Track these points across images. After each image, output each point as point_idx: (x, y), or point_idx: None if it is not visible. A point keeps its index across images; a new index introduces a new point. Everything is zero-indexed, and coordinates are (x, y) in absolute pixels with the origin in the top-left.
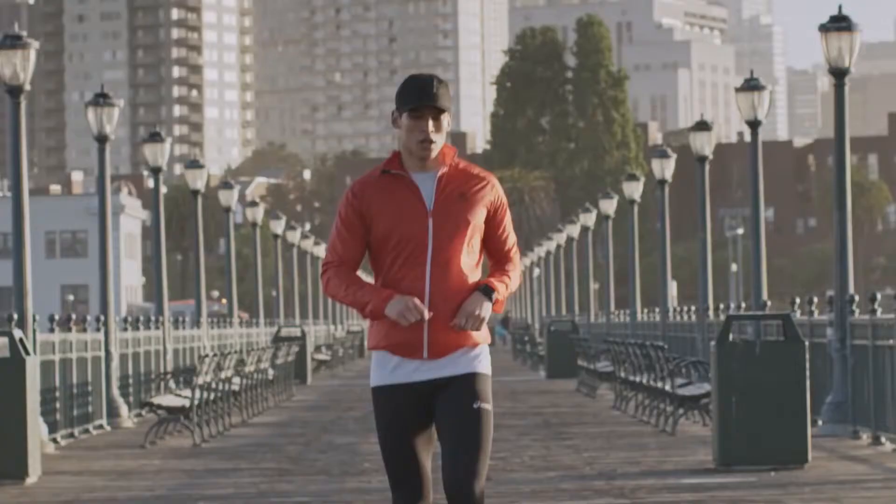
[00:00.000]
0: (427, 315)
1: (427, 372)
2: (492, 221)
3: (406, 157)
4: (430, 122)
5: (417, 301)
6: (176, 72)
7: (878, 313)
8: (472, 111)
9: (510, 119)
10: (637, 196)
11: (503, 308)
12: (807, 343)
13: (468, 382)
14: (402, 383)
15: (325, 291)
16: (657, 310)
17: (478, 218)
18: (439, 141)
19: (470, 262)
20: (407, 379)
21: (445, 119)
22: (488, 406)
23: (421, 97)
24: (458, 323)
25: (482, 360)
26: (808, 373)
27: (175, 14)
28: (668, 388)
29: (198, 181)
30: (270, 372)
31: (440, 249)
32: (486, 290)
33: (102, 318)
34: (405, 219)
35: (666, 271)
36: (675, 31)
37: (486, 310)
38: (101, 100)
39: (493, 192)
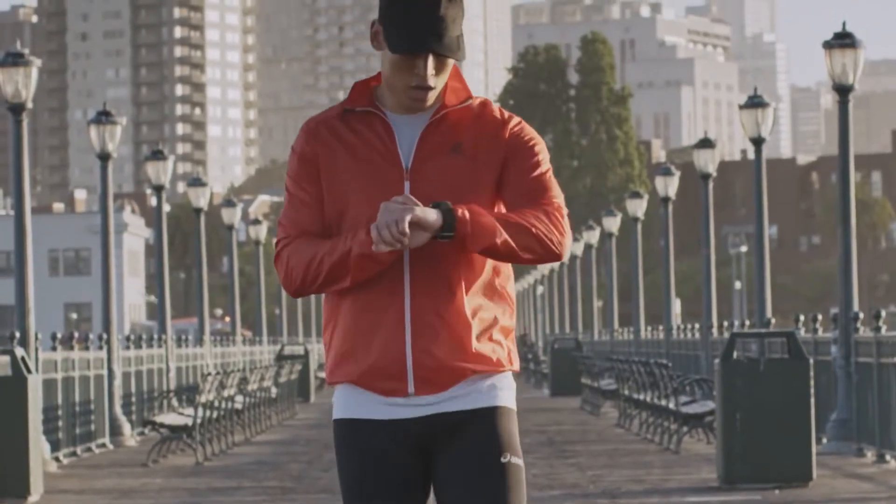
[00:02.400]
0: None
1: (420, 408)
2: (509, 166)
3: (385, 93)
4: (431, 61)
5: (403, 202)
6: (179, 90)
7: (883, 330)
8: None
9: None
10: (640, 214)
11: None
12: (811, 361)
13: (487, 423)
14: (383, 419)
15: (285, 282)
16: (661, 327)
17: (484, 179)
18: (440, 84)
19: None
20: (389, 415)
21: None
22: (519, 460)
23: (416, 39)
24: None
25: (504, 391)
26: (812, 390)
27: (178, 32)
28: (671, 405)
29: (201, 199)
30: (273, 390)
31: None
32: (440, 204)
33: (105, 336)
34: (366, 182)
35: (670, 289)
36: (679, 48)
37: (422, 214)
38: (103, 118)
39: (512, 133)
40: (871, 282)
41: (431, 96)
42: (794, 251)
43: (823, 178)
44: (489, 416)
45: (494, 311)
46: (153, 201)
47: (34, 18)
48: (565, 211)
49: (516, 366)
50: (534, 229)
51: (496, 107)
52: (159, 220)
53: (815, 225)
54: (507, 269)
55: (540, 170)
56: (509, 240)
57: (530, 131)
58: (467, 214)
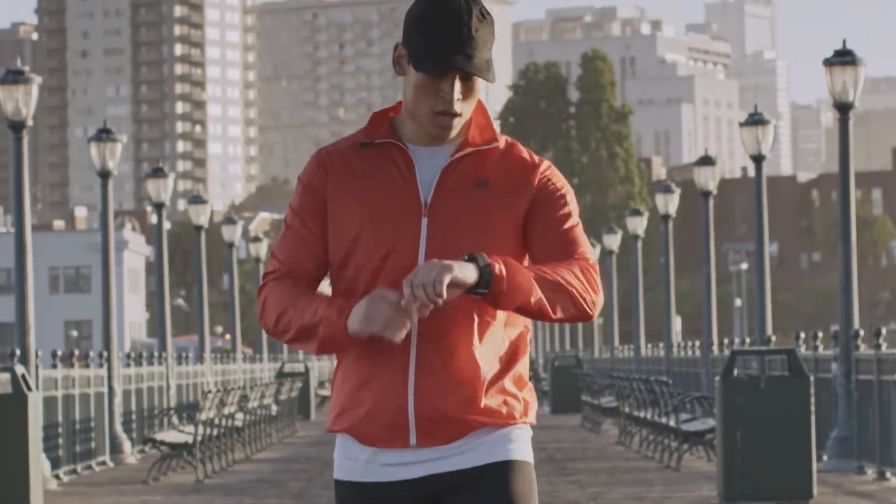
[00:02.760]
0: (420, 312)
1: (424, 464)
2: (538, 214)
3: (407, 123)
4: (458, 85)
5: (397, 293)
6: (179, 107)
7: (883, 348)
8: None
9: None
10: (641, 231)
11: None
12: (811, 378)
13: (500, 481)
14: (386, 482)
15: (260, 321)
16: (661, 345)
17: (510, 219)
18: (466, 112)
19: None
20: (393, 476)
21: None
22: None
23: (444, 56)
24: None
25: (517, 443)
26: (812, 408)
27: (178, 50)
28: (672, 423)
29: (201, 217)
30: (274, 408)
31: None
32: (478, 258)
33: (105, 353)
34: (379, 218)
35: (670, 306)
36: (679, 66)
37: (461, 273)
38: (104, 135)
39: (543, 178)
40: (871, 299)
41: (457, 125)
42: (795, 268)
43: (824, 195)
44: (502, 473)
45: (507, 359)
46: (154, 219)
47: (34, 36)
48: (597, 267)
49: (532, 418)
50: (570, 287)
51: (524, 149)
52: (160, 237)
53: (816, 242)
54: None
55: (570, 222)
56: (543, 299)
57: (561, 178)
58: (504, 271)
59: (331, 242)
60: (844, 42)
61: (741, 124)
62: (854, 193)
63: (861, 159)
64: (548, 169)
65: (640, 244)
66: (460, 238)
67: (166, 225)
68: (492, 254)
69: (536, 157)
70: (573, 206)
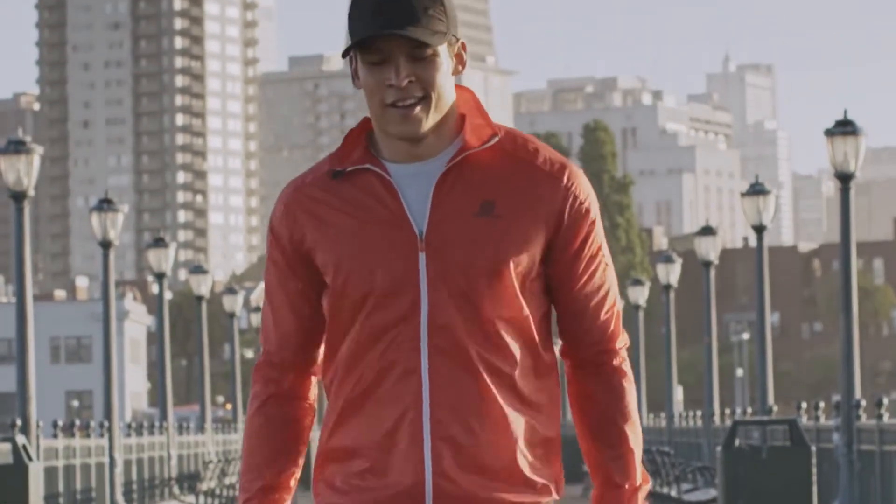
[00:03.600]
0: None
1: None
2: (562, 260)
3: (379, 137)
4: (404, 64)
5: None
6: (181, 177)
7: (885, 418)
8: None
9: None
10: (643, 301)
11: None
12: (813, 448)
13: None
14: None
15: None
16: (663, 415)
17: (525, 247)
18: (433, 97)
19: (519, 341)
20: None
21: (443, 50)
22: None
23: (377, 21)
24: None
25: None
26: (814, 478)
27: (180, 120)
28: (674, 493)
29: (202, 287)
30: None
31: (444, 314)
32: (617, 491)
33: (106, 423)
34: (371, 255)
35: (672, 376)
36: (680, 136)
37: None
38: (105, 205)
39: (567, 194)
40: (873, 369)
41: (423, 116)
42: (797, 338)
43: (825, 265)
44: None
45: (535, 420)
46: (155, 289)
47: (36, 106)
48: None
49: (562, 490)
50: (632, 455)
51: (533, 143)
52: (161, 307)
53: (817, 312)
54: (549, 356)
55: (599, 275)
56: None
57: (586, 189)
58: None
59: (329, 294)
60: (845, 112)
61: (742, 194)
62: (855, 263)
63: (862, 229)
64: (572, 183)
65: (641, 314)
66: (468, 276)
67: (167, 295)
68: (511, 303)
69: (555, 161)
70: (600, 234)
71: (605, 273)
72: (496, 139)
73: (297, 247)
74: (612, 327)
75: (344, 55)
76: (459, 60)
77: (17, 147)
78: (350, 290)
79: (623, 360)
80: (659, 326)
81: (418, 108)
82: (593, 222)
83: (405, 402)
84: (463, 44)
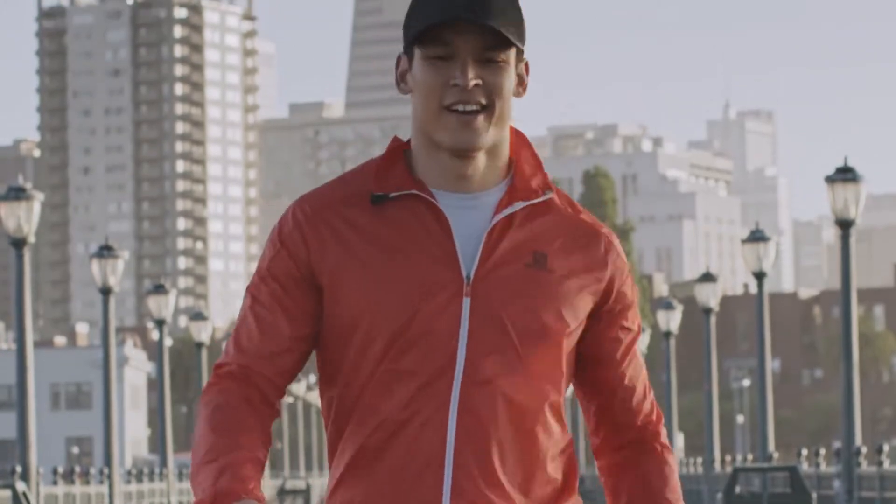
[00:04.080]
0: None
1: None
2: (608, 323)
3: (421, 157)
4: (471, 62)
5: None
6: (181, 224)
7: (886, 465)
8: None
9: None
10: (643, 348)
11: None
12: (814, 495)
13: None
14: None
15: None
16: None
17: (575, 310)
18: (495, 108)
19: (555, 416)
20: None
21: (512, 59)
22: None
23: (447, 7)
24: None
25: None
26: None
27: (180, 166)
28: None
29: (202, 333)
30: None
31: (484, 370)
32: None
33: (106, 470)
34: (410, 290)
35: (672, 423)
36: (681, 182)
37: None
38: (105, 252)
39: (616, 264)
40: (873, 415)
41: (483, 129)
42: (797, 385)
43: (826, 311)
44: None
45: (558, 482)
46: (155, 335)
47: (36, 152)
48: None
49: None
50: None
51: (573, 202)
52: (161, 353)
53: (818, 358)
54: (559, 422)
55: (635, 349)
56: None
57: (624, 257)
58: None
59: (330, 320)
60: (846, 159)
61: (743, 241)
62: (856, 310)
63: (863, 275)
64: (618, 251)
65: None
66: (519, 332)
67: (168, 341)
68: (556, 369)
69: (600, 225)
70: (635, 313)
71: (639, 372)
72: (550, 195)
73: (312, 268)
74: (654, 405)
75: (406, 47)
76: (520, 83)
77: (18, 194)
78: (373, 329)
79: (665, 438)
80: (659, 373)
81: (481, 118)
82: (633, 303)
83: (423, 459)
84: (527, 64)
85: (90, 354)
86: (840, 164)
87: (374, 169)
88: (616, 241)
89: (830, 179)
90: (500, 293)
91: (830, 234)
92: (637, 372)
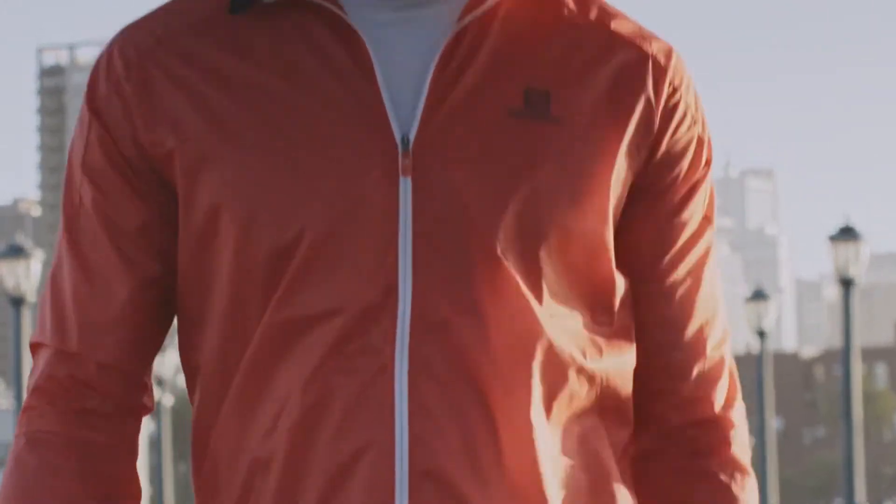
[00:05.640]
0: None
1: None
2: (653, 198)
3: None
4: None
5: None
6: None
7: None
8: None
9: None
10: None
11: None
12: None
13: None
14: None
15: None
16: None
17: (601, 190)
18: None
19: (589, 330)
20: None
21: None
22: None
23: None
24: None
25: None
26: None
27: None
28: None
29: None
30: None
31: (443, 308)
32: None
33: None
34: (296, 180)
35: None
36: None
37: None
38: None
39: (659, 89)
40: (875, 474)
41: None
42: (798, 443)
43: (828, 370)
44: None
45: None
46: (155, 394)
47: (36, 211)
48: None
49: None
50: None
51: (621, 16)
52: (160, 413)
53: (820, 417)
54: (623, 376)
55: (710, 268)
56: None
57: (698, 97)
58: None
59: (186, 220)
60: (848, 219)
61: (746, 300)
62: (859, 369)
63: (864, 334)
64: (680, 78)
65: None
66: (489, 230)
67: (168, 400)
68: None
69: (646, 37)
70: (708, 180)
71: (715, 275)
72: None
73: (146, 147)
74: (724, 374)
75: None
76: None
77: (17, 252)
78: (257, 241)
79: (741, 443)
80: None
81: None
82: (709, 162)
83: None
84: None
85: None
86: (841, 221)
87: None
88: (676, 62)
89: (833, 238)
90: (465, 167)
91: (832, 292)
92: (708, 302)
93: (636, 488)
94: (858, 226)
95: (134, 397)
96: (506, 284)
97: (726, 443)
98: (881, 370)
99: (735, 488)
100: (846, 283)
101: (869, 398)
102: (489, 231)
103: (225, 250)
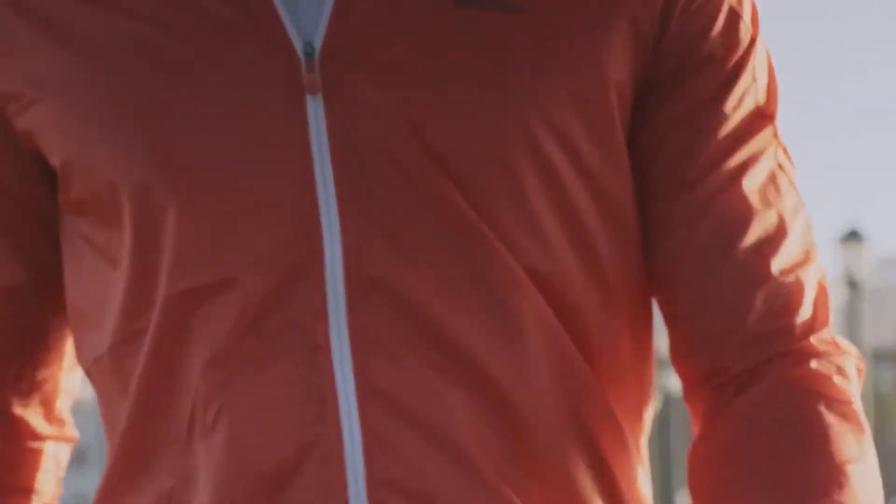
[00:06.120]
0: None
1: None
2: (668, 91)
3: None
4: None
5: None
6: None
7: None
8: None
9: None
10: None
11: None
12: None
13: None
14: None
15: None
16: None
17: (588, 94)
18: None
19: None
20: None
21: None
22: None
23: None
24: None
25: None
26: None
27: None
28: None
29: None
30: None
31: (379, 263)
32: None
33: None
34: (178, 107)
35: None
36: None
37: None
38: None
39: None
40: (883, 474)
41: None
42: None
43: None
44: None
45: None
46: None
47: None
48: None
49: None
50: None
51: None
52: None
53: None
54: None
55: (764, 163)
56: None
57: None
58: None
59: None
60: (855, 221)
61: None
62: (866, 371)
63: (871, 336)
64: None
65: None
66: (441, 157)
67: None
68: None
69: None
70: (765, 85)
71: (784, 187)
72: None
73: (8, 123)
74: (803, 303)
75: None
76: None
77: None
78: (160, 201)
79: (826, 375)
80: (665, 436)
81: None
82: (754, 39)
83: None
84: None
85: (91, 412)
86: (848, 226)
87: None
88: None
89: (840, 241)
90: (395, 77)
91: (839, 294)
92: (758, 218)
93: (706, 443)
94: (865, 228)
95: (39, 434)
96: (468, 227)
97: (807, 377)
98: (888, 372)
99: (832, 392)
100: (853, 285)
101: (876, 400)
102: (434, 157)
103: (113, 224)
